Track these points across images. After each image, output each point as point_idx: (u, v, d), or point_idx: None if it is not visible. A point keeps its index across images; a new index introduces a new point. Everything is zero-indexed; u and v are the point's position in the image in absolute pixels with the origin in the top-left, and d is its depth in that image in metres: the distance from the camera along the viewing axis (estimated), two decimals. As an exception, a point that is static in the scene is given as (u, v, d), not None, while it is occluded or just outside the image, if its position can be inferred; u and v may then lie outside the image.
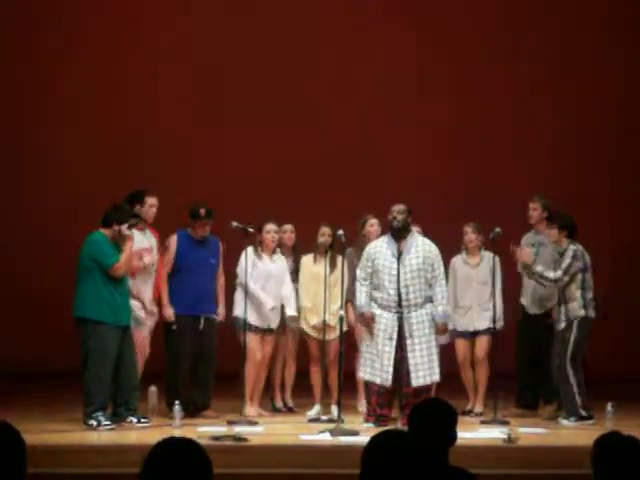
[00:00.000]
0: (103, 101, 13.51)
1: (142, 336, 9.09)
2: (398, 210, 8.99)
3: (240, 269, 9.46)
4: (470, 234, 9.77)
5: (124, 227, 8.55)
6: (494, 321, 9.52)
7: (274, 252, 9.63)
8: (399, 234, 8.96)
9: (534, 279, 9.39)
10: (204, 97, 13.66)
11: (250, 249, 9.47)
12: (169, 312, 9.16)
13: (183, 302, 9.20)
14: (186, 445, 3.23)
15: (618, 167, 13.90)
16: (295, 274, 9.78)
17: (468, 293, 9.79)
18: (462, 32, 13.84)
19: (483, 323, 9.73)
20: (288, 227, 9.86)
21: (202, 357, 9.26)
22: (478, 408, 9.73)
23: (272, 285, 9.54)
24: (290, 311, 9.56)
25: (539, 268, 9.30)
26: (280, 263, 9.64)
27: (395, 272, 8.82)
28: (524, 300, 9.84)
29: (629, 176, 13.89)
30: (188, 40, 13.59)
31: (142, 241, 9.14)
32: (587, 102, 13.83)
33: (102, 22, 13.53)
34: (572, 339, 9.16)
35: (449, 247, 9.79)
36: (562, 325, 9.23)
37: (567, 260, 9.23)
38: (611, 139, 13.91)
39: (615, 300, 12.01)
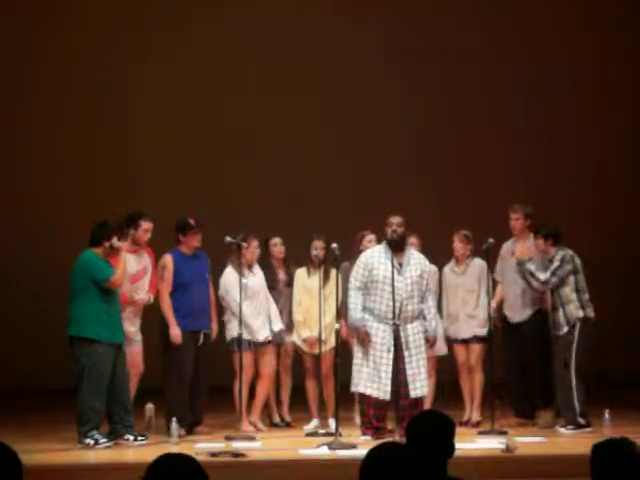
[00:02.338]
0: (92, 121, 13.54)
1: (135, 352, 9.07)
2: (397, 222, 8.98)
3: (225, 290, 9.43)
4: (457, 243, 9.79)
5: (114, 240, 8.54)
6: (489, 328, 9.55)
7: (251, 265, 9.59)
8: (397, 246, 8.95)
9: (525, 276, 9.38)
10: (199, 111, 13.69)
11: (231, 269, 9.41)
12: (176, 332, 9.11)
13: (184, 318, 9.17)
14: (183, 461, 3.22)
15: (618, 172, 14.03)
16: (288, 286, 9.77)
17: (455, 301, 9.81)
18: (464, 32, 13.93)
19: (470, 331, 9.74)
20: (277, 240, 9.84)
21: (198, 373, 9.22)
22: (475, 417, 9.72)
23: (260, 299, 9.52)
24: (278, 326, 9.56)
25: (532, 267, 9.34)
26: (259, 275, 9.61)
27: (394, 283, 8.80)
28: (506, 310, 9.82)
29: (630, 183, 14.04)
30: (186, 70, 13.63)
31: (135, 265, 9.08)
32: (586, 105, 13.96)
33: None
34: (575, 342, 9.17)
35: (445, 255, 9.86)
36: (564, 329, 9.25)
37: (556, 263, 9.29)
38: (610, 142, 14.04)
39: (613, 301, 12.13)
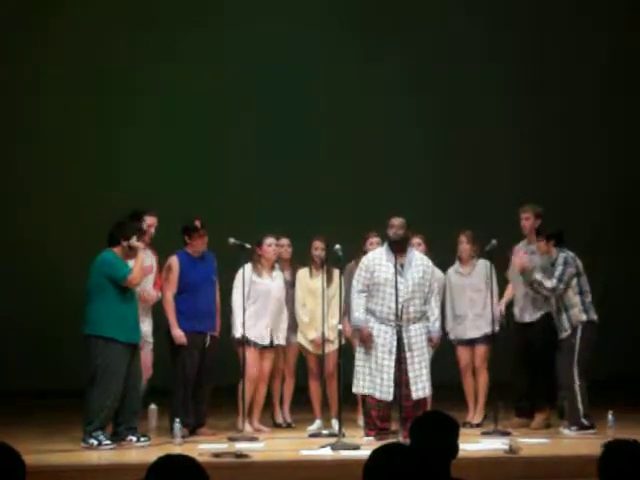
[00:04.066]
0: (96, 123, 13.57)
1: (146, 354, 9.08)
2: (398, 224, 8.96)
3: (237, 286, 9.44)
4: (465, 244, 9.78)
5: (133, 240, 8.56)
6: (496, 326, 9.52)
7: (273, 267, 9.61)
8: (398, 247, 8.93)
9: (532, 285, 9.38)
10: (202, 113, 13.70)
11: (248, 266, 9.43)
12: (178, 333, 9.11)
13: (190, 320, 9.17)
14: (184, 462, 3.22)
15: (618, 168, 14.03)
16: (293, 287, 9.78)
17: (462, 302, 9.80)
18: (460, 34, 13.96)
19: (477, 331, 9.74)
20: (285, 241, 9.86)
21: (203, 375, 9.22)
22: (477, 418, 9.72)
23: (272, 303, 9.52)
24: (279, 340, 9.57)
25: (539, 276, 9.31)
26: (279, 281, 9.62)
27: (396, 285, 8.78)
28: (515, 310, 9.81)
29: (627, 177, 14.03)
30: (188, 70, 13.65)
31: (145, 260, 9.13)
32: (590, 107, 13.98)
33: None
34: (577, 345, 9.17)
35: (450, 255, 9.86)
36: (567, 332, 9.24)
37: (559, 268, 9.26)
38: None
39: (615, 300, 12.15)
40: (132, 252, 8.59)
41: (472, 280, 9.78)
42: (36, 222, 13.23)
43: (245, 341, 9.25)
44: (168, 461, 3.22)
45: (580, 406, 9.08)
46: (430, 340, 8.94)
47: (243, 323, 9.20)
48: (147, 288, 9.16)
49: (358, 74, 13.84)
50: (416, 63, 13.85)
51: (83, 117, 13.53)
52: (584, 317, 9.25)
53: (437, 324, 8.98)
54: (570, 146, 14.00)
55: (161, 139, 13.58)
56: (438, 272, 9.54)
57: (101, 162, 13.48)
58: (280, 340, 9.59)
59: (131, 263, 8.63)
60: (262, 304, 9.47)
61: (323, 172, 13.57)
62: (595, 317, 9.31)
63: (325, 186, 13.52)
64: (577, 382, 9.09)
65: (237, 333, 9.35)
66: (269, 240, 9.56)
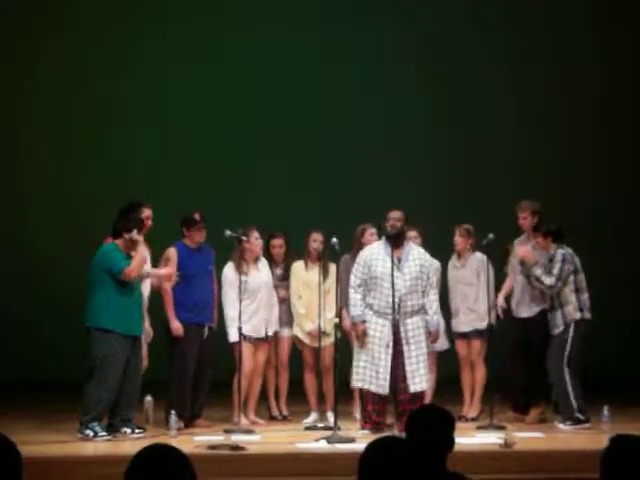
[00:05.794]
0: (94, 120, 13.55)
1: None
2: (394, 217, 8.97)
3: (227, 284, 9.42)
4: (457, 237, 9.78)
5: (134, 233, 8.55)
6: (492, 319, 9.52)
7: (257, 259, 9.59)
8: (395, 241, 8.94)
9: (529, 278, 9.37)
10: (198, 107, 13.69)
11: (230, 267, 9.40)
12: (176, 325, 9.12)
13: (188, 311, 9.18)
14: (167, 451, 3.22)
15: (617, 165, 14.01)
16: (285, 281, 9.76)
17: (456, 295, 9.81)
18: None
19: (469, 325, 9.74)
20: (278, 242, 9.83)
21: (201, 366, 9.22)
22: (472, 412, 9.73)
23: (263, 295, 9.51)
24: (272, 329, 9.58)
25: (538, 272, 9.29)
26: (265, 270, 9.61)
27: (393, 279, 8.78)
28: (513, 304, 9.80)
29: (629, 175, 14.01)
30: (187, 67, 13.64)
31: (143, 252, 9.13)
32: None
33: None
34: (569, 342, 9.16)
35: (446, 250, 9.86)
36: (559, 329, 9.24)
37: (557, 265, 9.24)
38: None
39: (613, 301, 12.14)
40: (133, 245, 8.58)
41: (465, 273, 9.77)
42: (36, 222, 13.25)
43: (241, 335, 9.22)
44: (150, 451, 3.23)
45: (573, 401, 9.07)
46: (429, 334, 8.94)
47: (240, 328, 9.15)
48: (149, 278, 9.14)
49: (358, 73, 13.82)
50: (417, 62, 13.82)
51: (83, 117, 13.52)
52: (578, 315, 9.24)
53: (435, 318, 8.98)
54: (570, 146, 13.97)
55: (161, 138, 13.57)
56: (436, 262, 9.53)
57: (101, 162, 13.47)
58: (274, 327, 9.58)
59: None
60: (255, 299, 9.45)
61: (323, 172, 13.54)
62: (589, 316, 9.29)
63: (325, 186, 13.49)
64: (568, 379, 9.06)
65: (232, 338, 9.34)
66: (256, 234, 9.53)
